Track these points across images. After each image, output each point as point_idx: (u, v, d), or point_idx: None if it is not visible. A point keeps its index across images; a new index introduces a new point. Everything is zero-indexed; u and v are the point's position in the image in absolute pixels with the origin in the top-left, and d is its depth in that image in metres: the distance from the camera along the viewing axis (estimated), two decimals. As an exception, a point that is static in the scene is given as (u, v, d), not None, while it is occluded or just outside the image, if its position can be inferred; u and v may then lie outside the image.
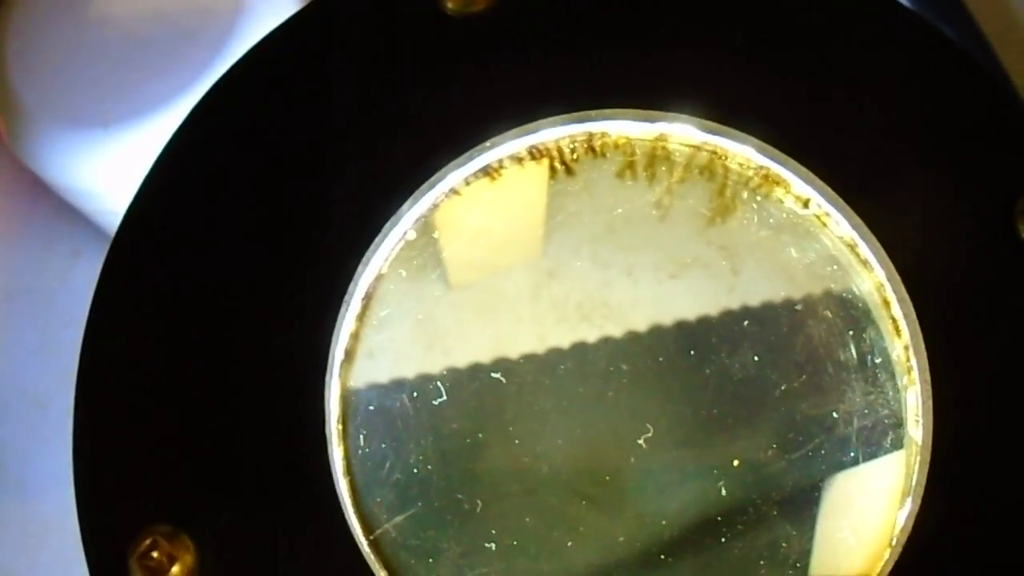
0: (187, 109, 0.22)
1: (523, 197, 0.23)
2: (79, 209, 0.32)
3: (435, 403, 0.21)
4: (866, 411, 0.21)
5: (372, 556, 0.20)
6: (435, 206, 0.22)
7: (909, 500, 0.20)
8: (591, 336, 0.23)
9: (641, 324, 0.23)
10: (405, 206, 0.22)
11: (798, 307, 0.22)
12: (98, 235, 0.36)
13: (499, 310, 0.23)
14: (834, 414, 0.21)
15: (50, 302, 0.35)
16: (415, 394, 0.21)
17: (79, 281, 0.36)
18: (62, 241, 0.36)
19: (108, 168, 0.29)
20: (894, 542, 0.20)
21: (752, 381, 0.21)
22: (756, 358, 0.21)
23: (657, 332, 0.22)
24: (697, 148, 0.23)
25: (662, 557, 0.20)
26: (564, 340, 0.23)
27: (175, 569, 0.19)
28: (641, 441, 0.21)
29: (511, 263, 0.24)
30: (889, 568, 0.20)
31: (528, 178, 0.23)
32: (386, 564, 0.20)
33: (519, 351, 0.23)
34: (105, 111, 0.29)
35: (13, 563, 0.34)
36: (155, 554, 0.19)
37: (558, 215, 0.23)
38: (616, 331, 0.23)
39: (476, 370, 0.22)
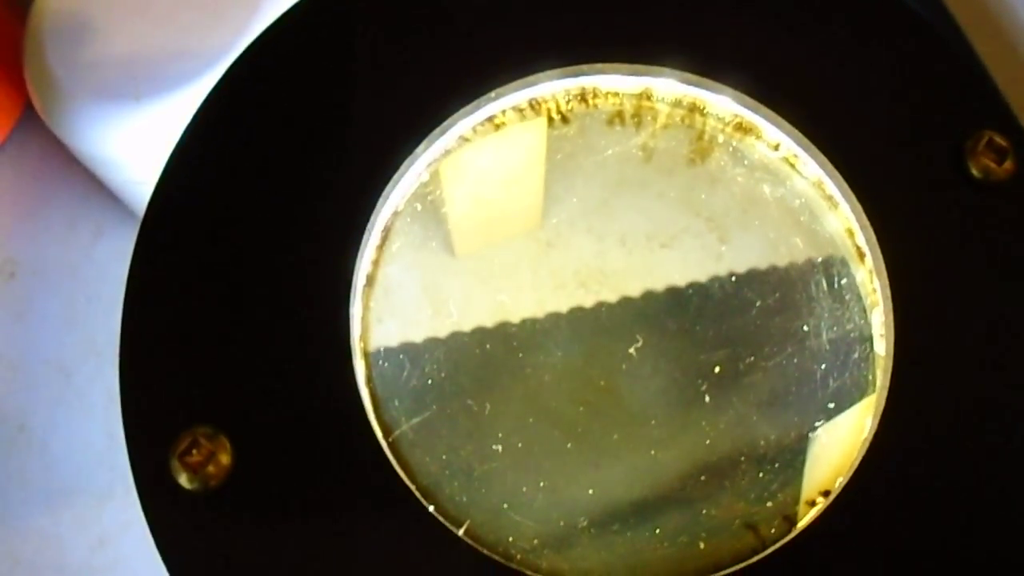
0: (215, 81, 0.24)
1: (524, 143, 0.26)
2: (108, 181, 0.35)
3: (447, 321, 0.24)
4: (834, 327, 0.24)
5: (391, 455, 0.22)
6: (446, 152, 0.25)
7: (875, 407, 0.23)
8: (588, 301, 0.25)
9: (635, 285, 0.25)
10: (420, 148, 0.24)
11: (771, 235, 0.24)
12: (120, 214, 0.38)
13: (501, 278, 0.26)
14: (804, 327, 0.23)
15: (74, 277, 0.37)
16: (430, 313, 0.24)
17: (102, 257, 0.38)
18: (86, 220, 0.38)
19: (139, 139, 0.31)
20: (865, 442, 0.22)
21: (730, 299, 0.24)
22: (734, 279, 0.24)
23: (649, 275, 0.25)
24: (679, 99, 0.25)
25: (652, 453, 0.23)
26: (562, 305, 0.25)
27: (211, 468, 0.21)
28: (632, 351, 0.23)
29: (512, 223, 0.27)
30: (859, 464, 0.22)
31: (528, 127, 0.25)
32: (403, 463, 0.22)
33: (520, 316, 0.25)
34: (137, 85, 0.31)
35: (38, 522, 0.35)
36: (195, 452, 0.21)
37: (555, 156, 0.25)
38: (611, 296, 0.25)
39: (478, 330, 0.25)
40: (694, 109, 0.25)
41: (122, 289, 0.27)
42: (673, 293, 0.24)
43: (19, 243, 0.38)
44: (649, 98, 0.25)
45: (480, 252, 0.26)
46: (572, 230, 0.26)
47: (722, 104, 0.25)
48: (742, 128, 0.25)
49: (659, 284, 0.25)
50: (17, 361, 0.37)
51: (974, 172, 0.24)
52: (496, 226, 0.27)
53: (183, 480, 0.21)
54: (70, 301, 0.37)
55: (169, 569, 0.21)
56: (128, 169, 0.32)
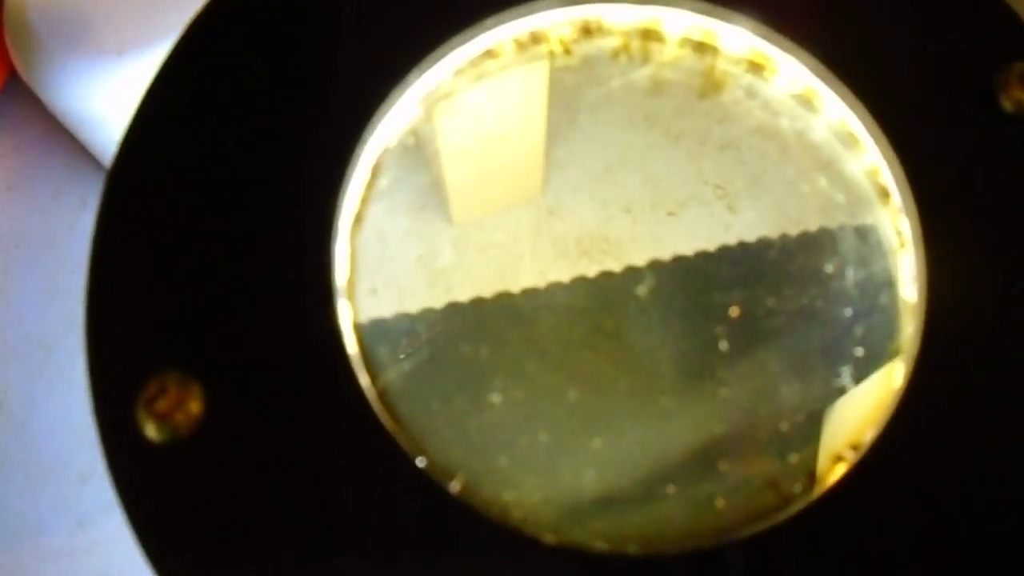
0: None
1: (524, 93, 0.24)
2: (92, 143, 0.33)
3: (440, 263, 0.21)
4: (860, 268, 0.21)
5: (377, 404, 0.20)
6: (439, 85, 0.23)
7: (907, 355, 0.21)
8: (591, 271, 0.23)
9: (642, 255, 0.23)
10: (411, 77, 0.22)
11: (790, 172, 0.22)
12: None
13: (500, 246, 0.24)
14: (828, 268, 0.21)
15: (57, 249, 0.35)
16: (421, 255, 0.21)
17: (85, 229, 0.35)
18: (70, 191, 0.36)
19: (122, 94, 0.29)
20: (897, 392, 0.20)
21: (757, 230, 0.21)
22: (753, 216, 0.22)
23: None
24: (687, 37, 0.23)
25: (664, 402, 0.20)
26: (564, 275, 0.23)
27: (181, 416, 0.19)
28: (640, 291, 0.21)
29: (513, 187, 0.25)
30: (891, 416, 0.20)
31: (527, 74, 0.23)
32: (391, 412, 0.20)
33: (520, 285, 0.23)
34: (119, 39, 0.29)
35: (16, 503, 0.33)
36: (163, 399, 0.19)
37: (558, 88, 0.23)
38: (615, 265, 0.23)
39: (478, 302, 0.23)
40: (704, 48, 0.23)
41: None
42: (691, 235, 0.22)
43: (1, 215, 0.36)
44: (657, 34, 0.23)
45: (478, 219, 0.24)
46: (575, 197, 0.24)
47: (736, 39, 0.23)
48: (756, 66, 0.23)
49: (673, 238, 0.23)
50: (-4, 336, 0.35)
51: (1005, 105, 0.22)
52: (495, 191, 0.25)
53: (150, 430, 0.19)
54: (52, 274, 0.35)
55: (133, 527, 0.19)
56: (112, 127, 0.30)
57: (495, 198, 0.25)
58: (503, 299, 0.22)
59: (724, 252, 0.21)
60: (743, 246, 0.22)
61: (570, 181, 0.24)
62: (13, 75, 0.36)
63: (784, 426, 0.20)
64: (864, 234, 0.22)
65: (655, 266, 0.21)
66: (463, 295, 0.23)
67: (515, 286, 0.23)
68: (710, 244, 0.23)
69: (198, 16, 0.22)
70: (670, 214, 0.23)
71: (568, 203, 0.24)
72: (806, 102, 0.23)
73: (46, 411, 0.34)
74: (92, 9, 0.30)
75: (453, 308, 0.22)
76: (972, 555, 0.19)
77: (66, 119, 0.32)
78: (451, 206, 0.24)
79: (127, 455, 0.19)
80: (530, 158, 0.25)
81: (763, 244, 0.21)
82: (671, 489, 0.20)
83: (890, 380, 0.20)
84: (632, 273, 0.21)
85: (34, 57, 0.30)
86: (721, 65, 0.23)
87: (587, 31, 0.23)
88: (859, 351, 0.21)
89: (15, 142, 0.36)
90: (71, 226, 0.36)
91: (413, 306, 0.22)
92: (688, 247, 0.23)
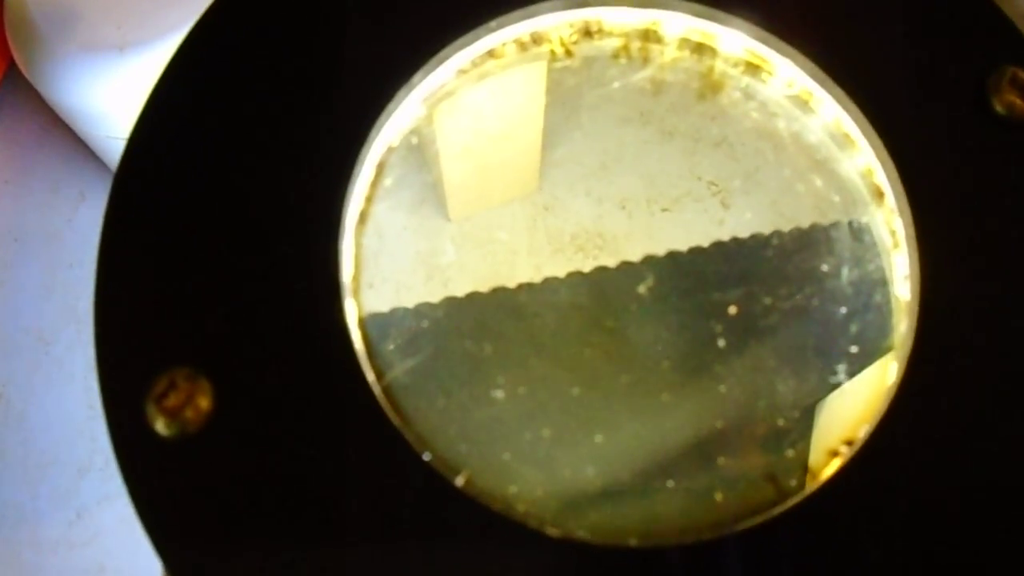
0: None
1: (523, 92, 0.24)
2: (91, 139, 0.32)
3: (439, 259, 0.22)
4: (855, 267, 0.22)
5: (384, 400, 0.20)
6: (442, 85, 0.23)
7: (901, 352, 0.21)
8: (586, 266, 0.23)
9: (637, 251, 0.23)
10: (416, 78, 0.22)
11: (787, 172, 0.22)
12: (103, 179, 0.36)
13: (496, 242, 0.24)
14: (824, 267, 0.21)
15: (56, 243, 0.35)
16: (420, 251, 0.22)
17: (84, 223, 0.36)
18: (68, 185, 0.36)
19: (123, 91, 0.29)
20: (890, 389, 0.20)
21: (744, 238, 0.22)
22: (749, 215, 0.22)
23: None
24: (686, 38, 0.23)
25: (664, 398, 0.20)
26: (560, 271, 0.23)
27: (190, 412, 0.19)
28: (641, 289, 0.21)
29: (509, 184, 0.25)
30: (884, 412, 0.20)
31: (527, 72, 0.23)
32: (397, 408, 0.20)
33: (516, 280, 0.23)
34: (121, 36, 0.29)
35: (14, 496, 0.33)
36: (172, 396, 0.19)
37: (559, 89, 0.23)
38: (610, 261, 0.23)
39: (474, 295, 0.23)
40: (703, 50, 0.23)
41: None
42: (686, 232, 0.22)
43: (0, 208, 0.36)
44: (656, 36, 0.23)
45: (474, 215, 0.24)
46: (570, 193, 0.24)
47: (733, 41, 0.23)
48: (753, 68, 0.23)
49: (668, 234, 0.23)
50: (-6, 330, 0.35)
51: (997, 108, 0.22)
52: (491, 188, 0.25)
53: (159, 426, 0.19)
54: (50, 268, 0.35)
55: (143, 522, 0.19)
56: (112, 123, 0.30)
57: (491, 194, 0.25)
58: (501, 296, 0.22)
59: (721, 250, 0.22)
60: (739, 244, 0.22)
61: (565, 177, 0.24)
62: (10, 70, 0.36)
63: (781, 421, 0.21)
64: (859, 233, 0.22)
65: (655, 265, 0.22)
66: (461, 290, 0.23)
67: (511, 282, 0.23)
68: (704, 242, 0.23)
69: (205, 15, 0.22)
70: (664, 211, 0.24)
71: (564, 199, 0.24)
72: (802, 103, 0.23)
73: (44, 404, 0.34)
74: (93, 5, 0.30)
75: (454, 304, 0.22)
76: (964, 547, 0.19)
77: (67, 115, 0.31)
78: (448, 202, 0.24)
79: (137, 450, 0.19)
80: (526, 155, 0.25)
81: (759, 243, 0.22)
82: (670, 483, 0.20)
83: (884, 377, 0.21)
84: (633, 271, 0.21)
85: (35, 53, 0.30)
86: (719, 67, 0.23)
87: (588, 33, 0.23)
88: (854, 348, 0.21)
89: (13, 136, 0.36)
90: (69, 220, 0.35)
91: (415, 302, 0.22)
92: (682, 244, 0.23)
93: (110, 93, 0.29)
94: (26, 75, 0.30)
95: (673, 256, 0.22)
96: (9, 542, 0.33)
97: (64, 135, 0.35)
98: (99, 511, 0.33)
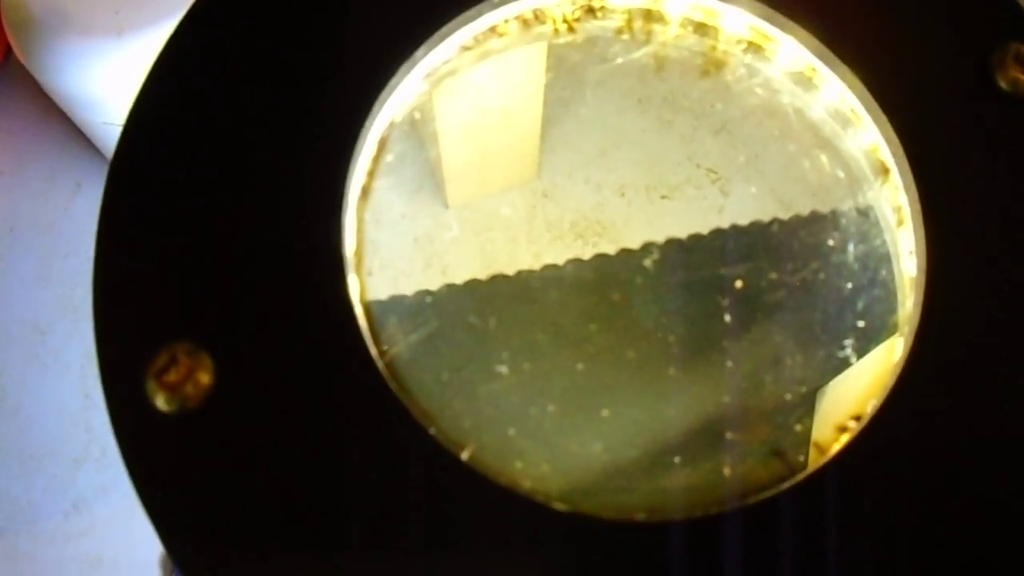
0: None
1: (522, 60, 0.24)
2: (88, 126, 0.32)
3: (441, 247, 0.21)
4: (861, 243, 0.21)
5: (388, 375, 0.20)
6: (446, 62, 0.23)
7: (907, 327, 0.21)
8: (585, 253, 0.23)
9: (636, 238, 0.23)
10: (419, 54, 0.22)
11: (791, 148, 0.22)
12: (100, 169, 0.36)
13: (495, 228, 0.24)
14: (829, 241, 0.21)
15: (51, 233, 0.35)
16: (419, 235, 0.21)
17: (80, 213, 0.35)
18: (64, 174, 0.36)
19: (121, 76, 0.29)
20: (898, 364, 0.20)
21: (751, 213, 0.21)
22: (754, 190, 0.22)
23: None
24: (688, 17, 0.23)
25: (671, 373, 0.20)
26: (559, 258, 0.23)
27: (190, 388, 0.19)
28: (647, 263, 0.21)
29: (508, 171, 0.25)
30: (892, 387, 0.20)
31: (530, 41, 0.23)
32: (401, 383, 0.20)
33: (516, 267, 0.23)
34: (119, 20, 0.29)
35: (10, 486, 0.33)
36: (173, 371, 0.19)
37: (563, 65, 0.23)
38: (609, 248, 0.23)
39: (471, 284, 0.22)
40: (705, 28, 0.23)
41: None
42: (685, 219, 0.22)
43: (-6, 198, 0.35)
44: (658, 14, 0.23)
45: (473, 202, 0.24)
46: (569, 180, 0.24)
47: (735, 18, 0.23)
48: (756, 46, 0.23)
49: (667, 221, 0.23)
50: (-10, 320, 0.34)
51: (1002, 85, 0.22)
52: (490, 174, 0.25)
53: (160, 401, 0.19)
54: (46, 257, 0.35)
55: (142, 499, 0.19)
56: (110, 109, 0.30)
57: (490, 181, 0.25)
58: (501, 280, 0.22)
59: (728, 227, 0.21)
60: (746, 220, 0.22)
61: (564, 164, 0.24)
62: (4, 59, 0.35)
63: (788, 396, 0.20)
64: (864, 210, 0.22)
65: (657, 246, 0.21)
66: (460, 277, 0.23)
67: (510, 268, 0.23)
68: (704, 229, 0.23)
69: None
70: (664, 198, 0.24)
71: (563, 186, 0.24)
72: (805, 80, 0.23)
73: (40, 395, 0.34)
74: (91, -9, 0.29)
75: (457, 284, 0.22)
76: (969, 521, 0.19)
77: (64, 102, 0.31)
78: (447, 189, 0.23)
79: (137, 426, 0.19)
80: (525, 141, 0.25)
81: (766, 219, 0.21)
82: (677, 458, 0.20)
83: (891, 352, 0.20)
84: (640, 247, 0.21)
85: (33, 39, 0.29)
86: (722, 45, 0.23)
87: (590, 10, 0.23)
88: (860, 324, 0.21)
89: (8, 125, 0.36)
90: (65, 210, 0.35)
91: (416, 280, 0.22)
92: (682, 231, 0.23)
93: (108, 79, 0.29)
94: (23, 62, 0.30)
95: (678, 245, 0.22)
96: (6, 533, 0.32)
97: (60, 124, 0.35)
98: (96, 502, 0.32)
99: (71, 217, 0.35)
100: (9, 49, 0.31)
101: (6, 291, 0.34)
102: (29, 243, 0.35)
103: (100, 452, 0.32)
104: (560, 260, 0.23)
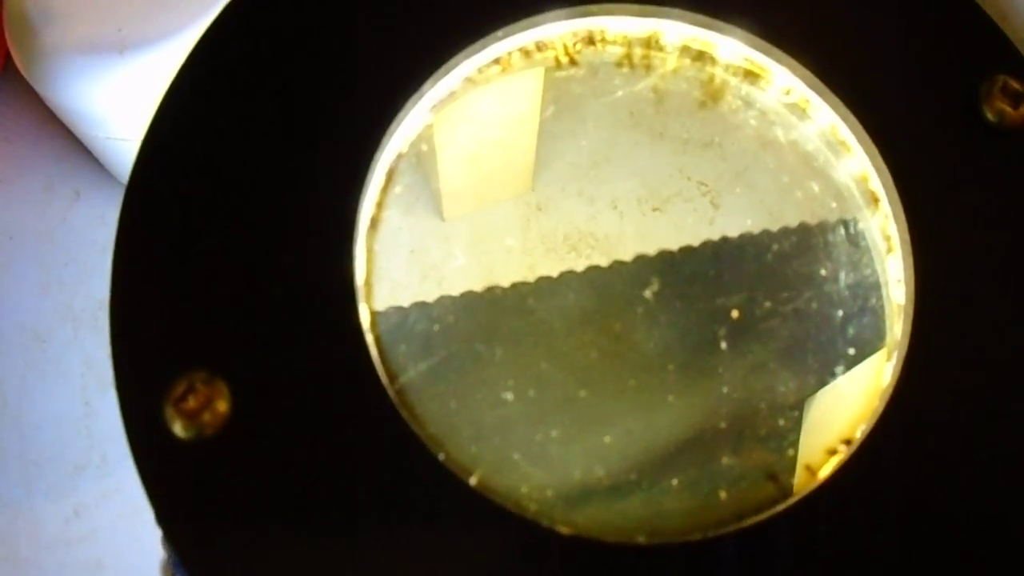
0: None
1: (520, 97, 0.24)
2: (89, 140, 0.32)
3: (438, 260, 0.22)
4: (851, 272, 0.22)
5: (398, 403, 0.20)
6: (451, 93, 0.23)
7: (896, 354, 0.21)
8: (579, 265, 0.24)
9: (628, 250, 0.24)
10: (425, 87, 0.22)
11: (785, 179, 0.23)
12: (99, 177, 0.36)
13: (490, 241, 0.24)
14: (822, 271, 0.22)
15: (50, 241, 0.35)
16: (419, 251, 0.22)
17: (79, 221, 0.35)
18: (63, 183, 0.36)
19: (123, 93, 0.29)
20: (886, 390, 0.21)
21: (745, 244, 0.22)
22: (749, 221, 0.22)
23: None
24: (687, 45, 0.24)
25: (669, 400, 0.21)
26: (553, 270, 0.24)
27: (208, 416, 0.20)
28: (647, 294, 0.22)
29: (503, 185, 0.25)
30: (881, 412, 0.21)
31: (525, 80, 0.24)
32: (410, 410, 0.20)
33: (510, 279, 0.24)
34: (121, 37, 0.29)
35: (10, 494, 0.33)
36: (191, 399, 0.20)
37: (565, 97, 0.23)
38: (602, 260, 0.24)
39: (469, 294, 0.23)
40: (703, 58, 0.24)
41: (100, 253, 0.25)
42: (689, 236, 0.23)
43: (-7, 206, 0.36)
44: (657, 44, 0.24)
45: (468, 216, 0.25)
46: (563, 193, 0.25)
47: (731, 49, 0.24)
48: (751, 75, 0.24)
49: (659, 234, 0.23)
50: (-11, 328, 0.35)
51: (989, 116, 0.23)
52: (486, 188, 0.26)
53: (177, 429, 0.19)
54: (46, 265, 0.35)
55: (161, 524, 0.19)
56: (111, 125, 0.30)
57: (486, 195, 0.25)
58: (503, 297, 0.23)
59: (724, 256, 0.22)
60: (739, 249, 0.23)
61: (558, 178, 0.24)
62: (3, 68, 0.36)
63: (781, 421, 0.21)
64: (854, 238, 0.23)
65: (654, 267, 0.22)
66: (456, 290, 0.23)
67: (505, 281, 0.23)
68: (695, 241, 0.23)
69: (216, 22, 0.22)
70: (656, 210, 0.24)
71: (556, 199, 0.25)
72: (799, 111, 0.24)
73: (40, 402, 0.34)
74: (93, 6, 0.30)
75: (459, 306, 0.22)
76: (959, 544, 0.20)
77: (65, 116, 0.31)
78: (443, 203, 0.24)
79: (155, 452, 0.19)
80: (521, 157, 0.25)
81: (759, 247, 0.22)
82: (675, 481, 0.21)
83: (880, 378, 0.21)
84: (633, 274, 0.22)
85: (35, 54, 0.30)
86: (720, 75, 0.24)
87: (591, 41, 0.24)
88: (851, 350, 0.22)
89: (6, 134, 0.36)
90: (64, 218, 0.35)
91: (426, 310, 0.23)
92: (674, 243, 0.23)
93: (110, 95, 0.29)
94: (25, 76, 0.30)
95: (670, 257, 0.22)
96: (6, 540, 0.33)
97: (59, 133, 0.35)
98: (96, 507, 0.33)
99: (70, 226, 0.35)
100: (8, 57, 0.32)
101: (5, 299, 0.35)
102: (28, 251, 0.35)
103: (101, 459, 0.33)
104: (554, 272, 0.24)
